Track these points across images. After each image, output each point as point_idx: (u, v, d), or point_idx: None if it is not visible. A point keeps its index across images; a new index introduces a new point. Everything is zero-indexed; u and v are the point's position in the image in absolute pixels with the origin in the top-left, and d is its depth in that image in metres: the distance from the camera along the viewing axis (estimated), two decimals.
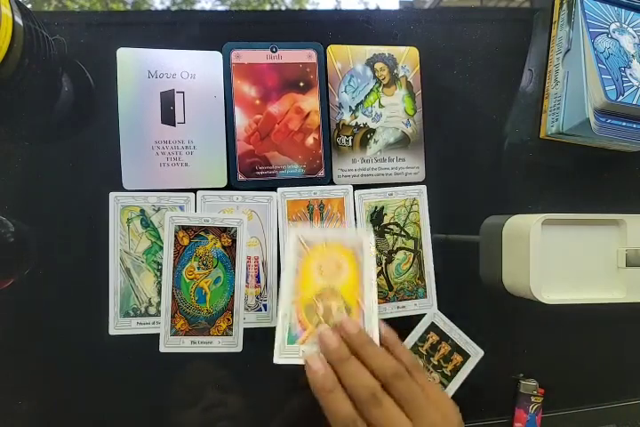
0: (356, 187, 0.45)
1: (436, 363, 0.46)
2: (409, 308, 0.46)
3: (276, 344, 0.35)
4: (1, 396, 0.41)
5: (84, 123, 0.43)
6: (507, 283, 0.45)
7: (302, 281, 0.37)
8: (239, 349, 0.42)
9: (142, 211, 0.42)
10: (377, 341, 0.35)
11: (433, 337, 0.46)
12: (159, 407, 0.43)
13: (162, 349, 0.41)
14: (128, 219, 0.41)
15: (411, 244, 0.46)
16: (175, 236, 0.42)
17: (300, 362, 0.34)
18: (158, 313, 0.42)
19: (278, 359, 0.35)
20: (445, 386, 0.46)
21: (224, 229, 0.42)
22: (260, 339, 0.43)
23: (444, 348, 0.46)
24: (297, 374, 0.33)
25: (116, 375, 0.42)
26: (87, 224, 0.42)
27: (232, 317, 0.42)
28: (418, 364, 0.34)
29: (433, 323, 0.46)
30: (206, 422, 0.43)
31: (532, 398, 0.47)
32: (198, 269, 0.42)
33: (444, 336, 0.46)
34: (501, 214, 0.47)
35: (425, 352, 0.46)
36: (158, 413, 0.43)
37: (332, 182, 0.45)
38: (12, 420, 0.41)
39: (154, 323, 0.42)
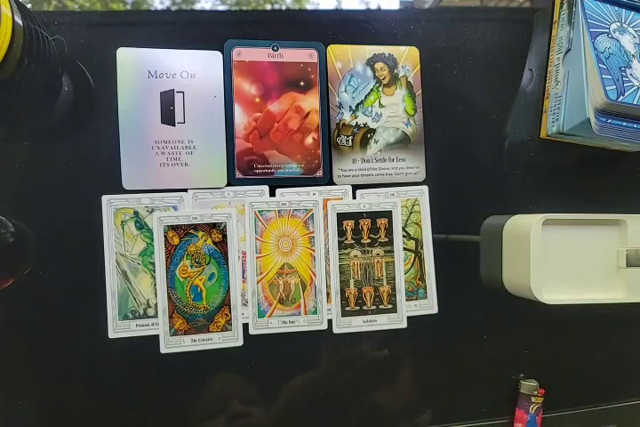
0: (356, 187, 0.45)
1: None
2: (409, 309, 0.46)
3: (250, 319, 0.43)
4: (1, 396, 0.41)
5: (84, 123, 0.42)
6: (507, 283, 0.45)
7: (264, 261, 0.43)
8: (240, 343, 0.43)
9: (136, 213, 0.42)
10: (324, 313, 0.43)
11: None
12: (161, 406, 0.43)
13: (162, 350, 0.41)
14: (122, 221, 0.41)
15: (412, 244, 0.46)
16: (165, 236, 0.42)
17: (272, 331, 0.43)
18: (157, 314, 0.41)
19: (254, 331, 0.43)
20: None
21: (213, 225, 0.42)
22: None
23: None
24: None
25: (116, 377, 0.42)
26: (87, 225, 0.42)
27: (230, 311, 0.43)
28: None
29: None
30: None
31: (533, 399, 0.47)
32: (191, 267, 0.42)
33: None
34: (501, 214, 0.47)
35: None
36: (160, 411, 0.43)
37: (331, 182, 0.45)
38: (11, 420, 0.41)
39: (153, 324, 0.42)
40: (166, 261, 0.42)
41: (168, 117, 0.42)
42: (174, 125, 0.42)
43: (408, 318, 0.46)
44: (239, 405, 0.44)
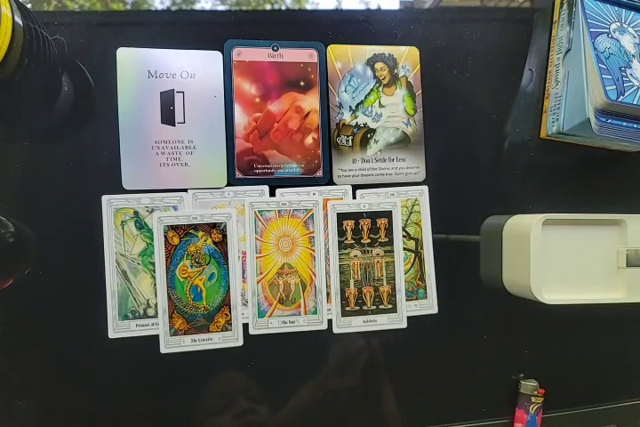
0: (356, 187, 0.45)
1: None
2: (409, 309, 0.46)
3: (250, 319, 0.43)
4: (1, 396, 0.41)
5: (84, 123, 0.42)
6: (507, 283, 0.45)
7: (264, 261, 0.43)
8: (240, 343, 0.43)
9: (136, 213, 0.42)
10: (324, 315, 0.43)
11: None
12: (160, 406, 0.43)
13: (162, 350, 0.41)
14: (122, 221, 0.41)
15: (412, 244, 0.46)
16: (165, 236, 0.42)
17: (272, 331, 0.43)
18: (157, 314, 0.41)
19: (254, 331, 0.43)
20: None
21: (213, 225, 0.42)
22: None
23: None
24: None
25: (116, 377, 0.42)
26: (87, 225, 0.42)
27: (230, 312, 0.43)
28: None
29: None
30: None
31: (533, 399, 0.47)
32: (191, 267, 0.42)
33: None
34: (501, 214, 0.47)
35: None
36: (160, 411, 0.43)
37: (331, 182, 0.45)
38: (11, 420, 0.41)
39: (153, 324, 0.42)
40: (166, 261, 0.42)
41: (168, 117, 0.42)
42: (174, 125, 0.42)
43: (408, 318, 0.46)
44: (240, 405, 0.44)
